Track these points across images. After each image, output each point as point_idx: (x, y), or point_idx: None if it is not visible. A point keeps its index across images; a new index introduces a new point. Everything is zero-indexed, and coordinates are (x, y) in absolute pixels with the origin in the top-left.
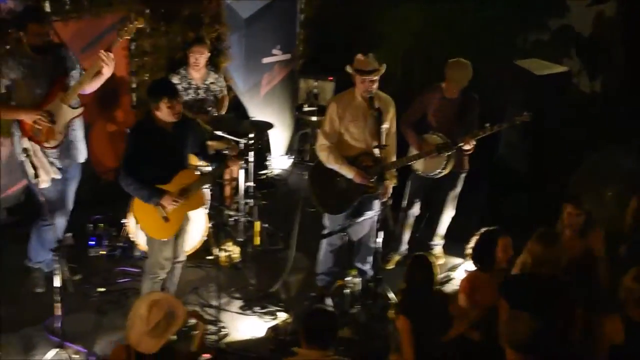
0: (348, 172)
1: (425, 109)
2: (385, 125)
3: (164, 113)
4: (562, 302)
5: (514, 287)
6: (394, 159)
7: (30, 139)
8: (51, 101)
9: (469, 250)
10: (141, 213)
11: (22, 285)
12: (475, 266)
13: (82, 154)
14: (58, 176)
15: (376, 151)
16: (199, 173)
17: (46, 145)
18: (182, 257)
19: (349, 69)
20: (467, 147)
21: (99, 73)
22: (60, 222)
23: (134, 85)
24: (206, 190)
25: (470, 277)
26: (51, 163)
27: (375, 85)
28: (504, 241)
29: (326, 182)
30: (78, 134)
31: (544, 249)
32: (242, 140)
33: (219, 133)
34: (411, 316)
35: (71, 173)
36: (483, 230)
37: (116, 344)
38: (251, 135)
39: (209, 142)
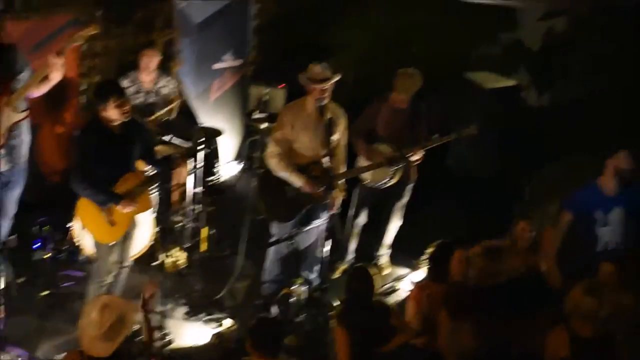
0: (297, 181)
1: (375, 119)
2: (335, 136)
3: (113, 113)
4: (503, 314)
5: (455, 298)
6: (343, 169)
7: None
8: None
9: (424, 260)
10: (87, 216)
11: None
12: (430, 277)
13: (24, 159)
14: None
15: (325, 161)
16: (145, 175)
17: None
18: (128, 262)
19: (302, 77)
20: (415, 157)
21: (46, 77)
22: (3, 225)
23: (84, 87)
24: (153, 195)
25: (423, 286)
26: None
27: (328, 95)
28: (458, 254)
29: (274, 190)
30: (24, 138)
31: (486, 262)
32: (189, 145)
33: (168, 138)
34: (350, 327)
35: (14, 177)
36: (440, 241)
37: (69, 350)
38: (200, 140)
39: (157, 147)
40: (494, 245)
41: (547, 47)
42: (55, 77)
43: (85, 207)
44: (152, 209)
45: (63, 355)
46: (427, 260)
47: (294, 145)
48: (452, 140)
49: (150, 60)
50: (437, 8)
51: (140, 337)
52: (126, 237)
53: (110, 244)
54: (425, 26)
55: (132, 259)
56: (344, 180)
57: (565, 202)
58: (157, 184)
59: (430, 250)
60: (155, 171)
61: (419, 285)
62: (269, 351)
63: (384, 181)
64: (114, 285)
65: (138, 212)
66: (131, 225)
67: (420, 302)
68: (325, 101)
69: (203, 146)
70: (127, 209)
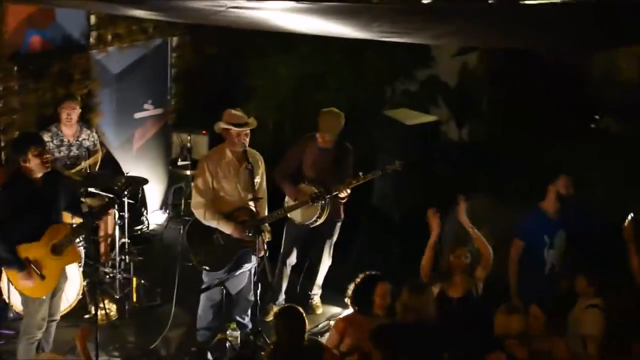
0: (226, 228)
1: (300, 159)
2: (257, 180)
3: (33, 164)
4: (432, 347)
5: (384, 335)
6: (266, 211)
7: None
8: None
9: (348, 292)
10: (15, 272)
11: None
12: (353, 309)
13: None
14: None
15: (251, 205)
16: (71, 227)
17: None
18: (57, 316)
19: (221, 124)
20: (342, 195)
21: None
22: None
23: (2, 144)
24: (80, 248)
25: (347, 318)
26: None
27: (247, 139)
28: (382, 287)
29: (203, 239)
30: None
31: (412, 297)
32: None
33: (93, 190)
34: None
35: None
36: (363, 274)
37: None
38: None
39: (83, 199)
40: (417, 282)
41: (463, 83)
42: None
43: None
44: (79, 261)
45: None
46: (350, 292)
47: (218, 194)
48: (377, 177)
49: (72, 112)
50: (352, 48)
51: None
52: (55, 291)
53: (40, 299)
54: (344, 66)
55: (63, 313)
56: (269, 222)
57: (516, 230)
58: (84, 235)
59: (353, 282)
60: (82, 221)
61: (342, 318)
62: None
63: (312, 219)
64: (43, 340)
65: (67, 263)
66: (61, 278)
67: (341, 333)
68: (245, 146)
69: (127, 195)
70: (26, 281)
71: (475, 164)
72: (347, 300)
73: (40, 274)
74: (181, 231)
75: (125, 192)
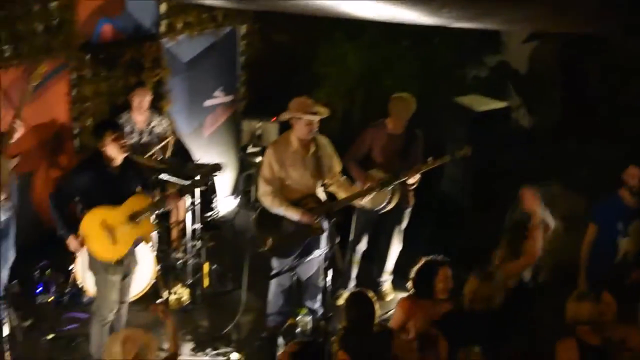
0: (294, 214)
1: (370, 144)
2: (328, 166)
3: (111, 149)
4: (498, 335)
5: (450, 323)
6: (353, 190)
7: None
8: None
9: (410, 277)
10: (90, 233)
11: None
12: (416, 293)
13: (15, 205)
14: None
15: (319, 193)
16: (150, 199)
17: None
18: (127, 298)
19: (292, 113)
20: (411, 181)
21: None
22: (3, 272)
23: (76, 131)
24: (154, 234)
25: (412, 298)
26: None
27: (316, 127)
28: (444, 271)
29: (272, 226)
30: (13, 185)
31: (481, 285)
32: (187, 183)
33: (165, 176)
34: (351, 352)
35: (7, 224)
36: (425, 259)
37: None
38: (202, 177)
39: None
40: (484, 269)
41: (533, 69)
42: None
43: (88, 224)
44: (151, 247)
45: None
46: (412, 277)
47: (285, 182)
48: (446, 163)
49: (143, 100)
50: (423, 34)
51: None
52: (126, 274)
53: (111, 279)
54: (413, 53)
55: (136, 297)
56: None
57: (591, 214)
58: (162, 209)
59: (415, 267)
60: (161, 196)
61: (407, 297)
62: None
63: (382, 205)
64: (116, 322)
65: (140, 234)
66: (132, 261)
67: (407, 313)
68: (313, 134)
69: (202, 183)
70: (74, 248)
71: (545, 151)
72: (409, 285)
73: (113, 238)
74: (251, 217)
75: (209, 181)
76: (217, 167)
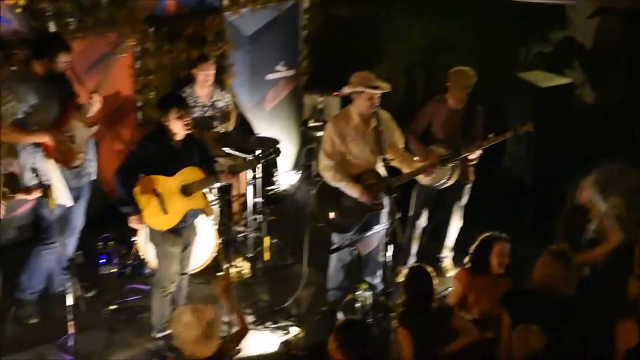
0: (353, 191)
1: (431, 120)
2: (388, 137)
3: (175, 125)
4: (565, 318)
5: (517, 301)
6: (415, 166)
7: (55, 160)
8: (67, 122)
9: (468, 253)
10: (142, 201)
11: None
12: (472, 268)
13: (94, 173)
14: (70, 203)
15: (380, 168)
16: (205, 173)
17: (71, 165)
18: (188, 270)
19: (353, 87)
20: (471, 157)
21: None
22: (71, 241)
23: (139, 104)
24: (215, 207)
25: (467, 270)
26: (67, 184)
27: (378, 101)
28: (500, 246)
29: (332, 201)
30: (91, 153)
31: (555, 264)
32: (250, 157)
33: (227, 150)
34: (411, 328)
35: (84, 191)
36: (483, 235)
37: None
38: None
39: (216, 159)
40: (561, 250)
41: (599, 44)
42: (95, 109)
43: (140, 191)
44: (213, 220)
45: None
46: (470, 253)
47: (345, 157)
48: (509, 139)
49: (207, 74)
50: (485, 9)
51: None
52: (186, 246)
53: (170, 251)
54: (474, 28)
55: (197, 270)
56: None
57: None
58: (216, 184)
59: (474, 243)
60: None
61: (464, 269)
62: (356, 353)
63: (442, 181)
64: (177, 294)
65: (192, 207)
66: (192, 234)
67: (465, 286)
68: (375, 109)
69: (265, 157)
70: (136, 225)
71: (608, 128)
72: (466, 260)
73: (164, 208)
74: (312, 192)
75: (271, 156)
76: (276, 142)
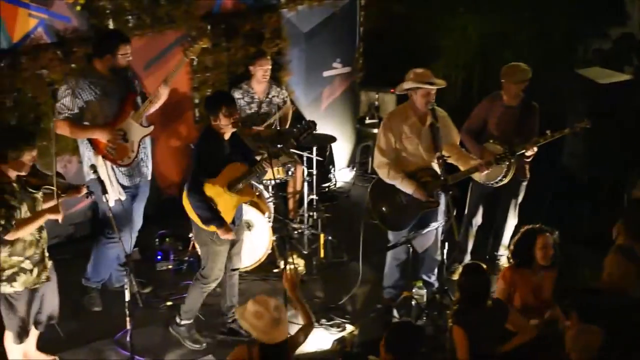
0: (408, 188)
1: (486, 117)
2: (445, 135)
3: (223, 123)
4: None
5: (584, 301)
6: (471, 163)
7: (104, 157)
8: (123, 120)
9: (510, 247)
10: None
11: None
12: (516, 263)
13: (149, 173)
14: (123, 197)
15: (435, 166)
16: (247, 166)
17: (120, 163)
18: (239, 266)
19: (409, 84)
20: (527, 153)
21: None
22: (128, 237)
23: (196, 101)
24: (270, 204)
25: (512, 267)
26: (120, 182)
27: (433, 98)
28: (543, 239)
29: (386, 199)
30: (148, 152)
31: (628, 264)
32: (305, 154)
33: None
34: (466, 326)
35: (141, 190)
36: (525, 227)
37: (238, 345)
38: (314, 150)
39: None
40: (629, 246)
41: None
42: (161, 102)
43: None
44: (268, 217)
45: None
46: (512, 246)
47: (400, 154)
48: (566, 135)
49: (268, 69)
50: (542, 4)
51: None
52: (233, 245)
53: (218, 249)
54: (531, 24)
55: (252, 267)
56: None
57: None
58: (259, 175)
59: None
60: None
61: (509, 267)
62: (404, 355)
63: (497, 179)
64: (229, 290)
65: (241, 202)
66: (240, 230)
67: (509, 283)
68: (431, 106)
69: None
70: (226, 236)
71: None
72: (508, 254)
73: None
74: (368, 189)
75: (303, 136)
76: (332, 139)
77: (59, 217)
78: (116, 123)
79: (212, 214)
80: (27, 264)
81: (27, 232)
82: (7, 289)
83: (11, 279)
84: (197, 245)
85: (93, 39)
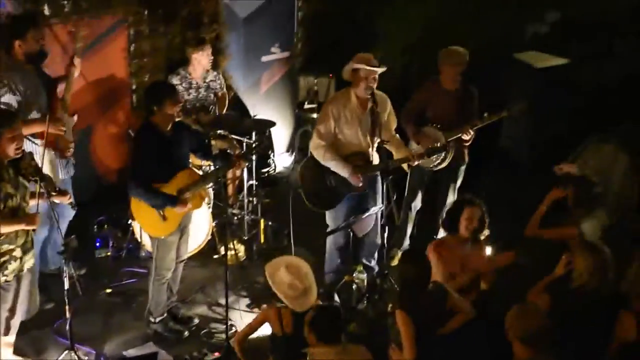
0: (345, 171)
1: (425, 101)
2: (384, 119)
3: (166, 114)
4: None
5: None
6: (403, 151)
7: (54, 150)
8: (56, 111)
9: (442, 217)
10: (139, 212)
11: None
12: (444, 229)
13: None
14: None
15: (371, 152)
16: (199, 173)
17: (65, 155)
18: (185, 257)
19: (352, 65)
20: (465, 137)
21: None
22: (62, 227)
23: (133, 87)
24: (209, 189)
25: (438, 242)
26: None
27: (375, 83)
28: (470, 210)
29: (315, 180)
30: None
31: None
32: (245, 139)
33: (221, 132)
34: (409, 311)
35: (68, 181)
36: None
37: (267, 306)
38: (253, 135)
39: (213, 142)
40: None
41: (596, 24)
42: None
43: (136, 202)
44: (208, 203)
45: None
46: (444, 216)
47: (337, 137)
48: (505, 120)
49: (205, 55)
50: None
51: None
52: (182, 233)
53: (169, 240)
54: (470, 9)
55: (193, 253)
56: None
57: None
58: (213, 182)
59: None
60: (213, 168)
61: (434, 242)
62: (329, 339)
63: (435, 163)
64: (171, 280)
65: (192, 209)
66: (185, 220)
67: (435, 253)
68: (372, 90)
69: (256, 140)
70: (182, 210)
71: (608, 108)
72: (440, 223)
73: (163, 215)
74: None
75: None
76: (271, 124)
77: (34, 228)
78: (52, 114)
79: (162, 198)
80: (17, 252)
81: None
82: None
83: (3, 268)
84: (136, 231)
85: (6, 24)
